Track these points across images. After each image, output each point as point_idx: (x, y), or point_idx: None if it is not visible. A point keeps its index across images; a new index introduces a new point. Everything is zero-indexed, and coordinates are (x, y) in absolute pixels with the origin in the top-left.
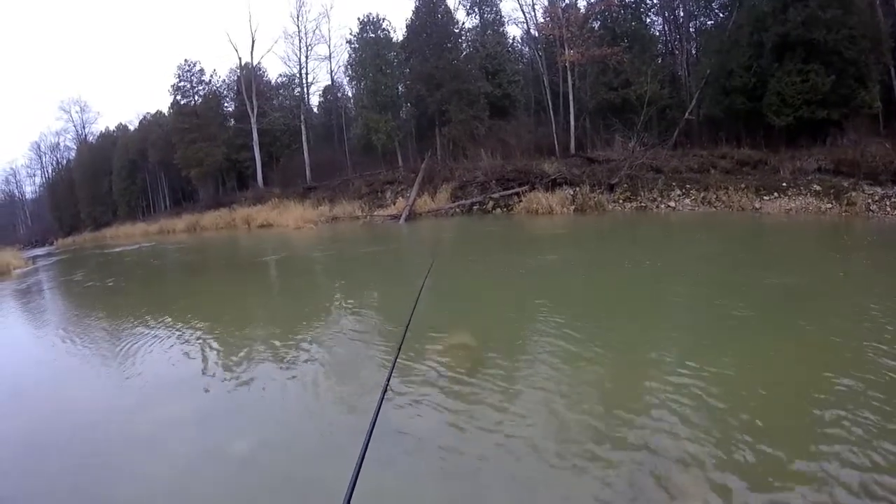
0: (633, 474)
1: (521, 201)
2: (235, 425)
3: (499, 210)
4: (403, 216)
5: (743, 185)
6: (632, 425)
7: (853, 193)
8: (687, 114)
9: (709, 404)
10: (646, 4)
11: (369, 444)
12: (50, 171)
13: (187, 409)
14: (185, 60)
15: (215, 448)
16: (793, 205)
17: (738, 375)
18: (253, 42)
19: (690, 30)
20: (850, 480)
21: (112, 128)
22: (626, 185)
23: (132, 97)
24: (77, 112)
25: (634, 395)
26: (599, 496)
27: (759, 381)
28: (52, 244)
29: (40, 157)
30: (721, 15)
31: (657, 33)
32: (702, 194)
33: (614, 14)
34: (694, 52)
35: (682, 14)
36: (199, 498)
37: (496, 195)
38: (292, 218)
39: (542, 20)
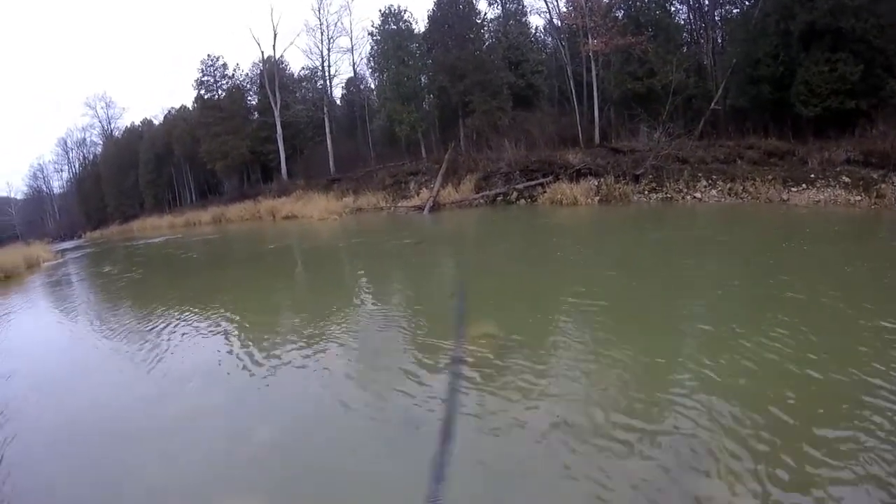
0: (665, 462)
1: (545, 192)
2: (259, 414)
3: (523, 201)
4: (427, 207)
5: (770, 177)
6: (660, 417)
7: (882, 185)
8: (713, 104)
9: (735, 395)
10: None
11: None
12: (77, 166)
13: (212, 398)
14: (209, 55)
15: (239, 436)
16: (821, 196)
17: (769, 369)
18: (275, 35)
19: (716, 18)
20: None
21: (137, 123)
22: (651, 176)
23: (157, 92)
24: (102, 108)
25: (662, 387)
26: (629, 486)
27: (789, 374)
28: (80, 237)
29: (67, 152)
30: (747, 3)
31: (682, 22)
32: (728, 185)
33: (638, 3)
34: (720, 40)
35: (707, 2)
36: (223, 484)
37: (520, 186)
38: (316, 209)
39: (564, 10)
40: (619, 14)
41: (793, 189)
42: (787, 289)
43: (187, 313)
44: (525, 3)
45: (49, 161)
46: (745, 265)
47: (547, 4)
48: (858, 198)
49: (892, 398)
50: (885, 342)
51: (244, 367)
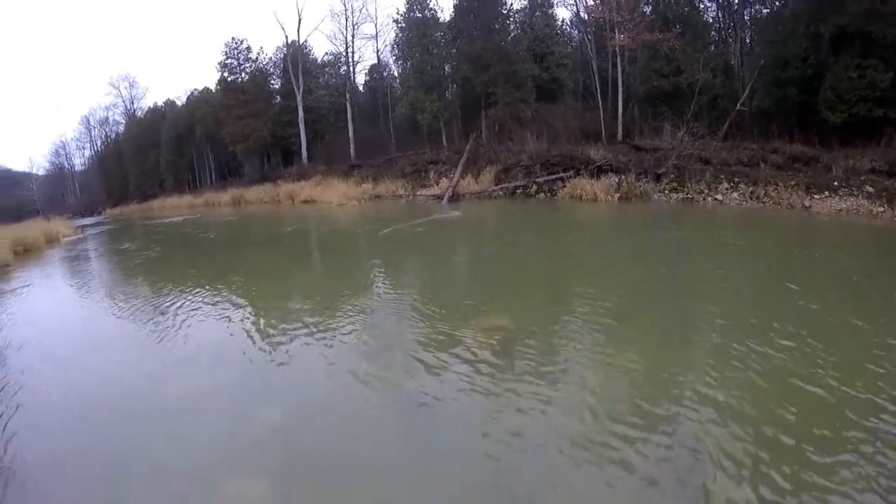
0: (669, 463)
1: (565, 187)
2: (264, 397)
3: (542, 195)
4: (446, 197)
5: (793, 182)
6: (666, 414)
7: None
8: (739, 104)
9: (739, 410)
10: None
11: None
12: (99, 144)
13: (219, 379)
14: (233, 38)
15: (244, 418)
16: (843, 205)
17: (777, 374)
18: (300, 20)
19: (745, 17)
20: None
21: (160, 103)
22: (672, 176)
23: (180, 73)
24: (126, 88)
25: (668, 386)
26: (628, 486)
27: (792, 389)
28: (99, 214)
29: (90, 130)
30: (777, 3)
31: (710, 20)
32: (750, 189)
33: None
34: (748, 40)
35: (736, 1)
36: (227, 465)
37: (540, 179)
38: (336, 195)
39: (591, 3)
40: (647, 9)
41: (815, 196)
42: (799, 299)
43: (201, 293)
44: None
45: (71, 138)
46: (761, 271)
47: None
48: (881, 209)
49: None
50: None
51: (252, 350)
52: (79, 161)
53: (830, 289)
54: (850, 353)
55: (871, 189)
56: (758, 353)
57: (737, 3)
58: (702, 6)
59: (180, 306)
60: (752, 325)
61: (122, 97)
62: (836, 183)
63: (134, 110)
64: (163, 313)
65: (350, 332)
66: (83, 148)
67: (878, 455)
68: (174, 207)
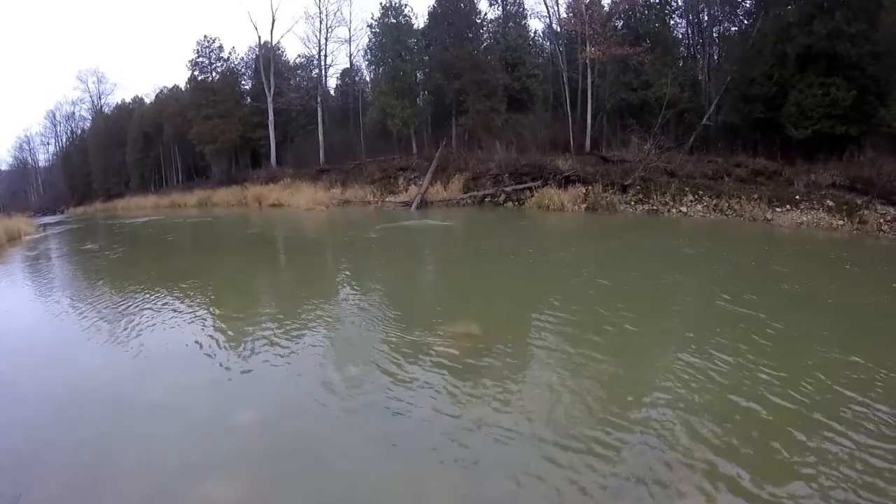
0: (633, 468)
1: (533, 196)
2: (237, 399)
3: (510, 204)
4: (415, 204)
5: (756, 196)
6: (632, 420)
7: (865, 212)
8: (705, 119)
9: (715, 402)
10: (670, 6)
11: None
12: (64, 139)
13: (190, 380)
14: (205, 36)
15: (217, 420)
16: (804, 218)
17: (748, 375)
18: (273, 21)
19: (714, 35)
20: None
21: (128, 100)
22: (639, 187)
23: (149, 70)
24: (94, 83)
25: (634, 392)
26: (594, 488)
27: (757, 378)
28: (62, 212)
29: (55, 125)
30: (746, 22)
31: (680, 36)
32: (714, 202)
33: (638, 14)
34: (716, 57)
35: (706, 18)
36: (202, 467)
37: (509, 189)
38: (304, 199)
39: (564, 15)
40: (619, 24)
41: (777, 209)
42: (735, 305)
43: (165, 296)
44: (525, 6)
45: (36, 133)
46: (711, 280)
47: (547, 9)
48: (841, 222)
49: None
50: (829, 367)
51: (221, 351)
52: (43, 157)
53: (771, 296)
54: (785, 360)
55: (831, 203)
56: (709, 362)
57: (706, 21)
58: (672, 22)
59: (146, 308)
60: (705, 331)
61: (89, 92)
62: (797, 197)
63: (101, 106)
64: (129, 315)
65: (318, 336)
66: (48, 144)
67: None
68: (139, 208)
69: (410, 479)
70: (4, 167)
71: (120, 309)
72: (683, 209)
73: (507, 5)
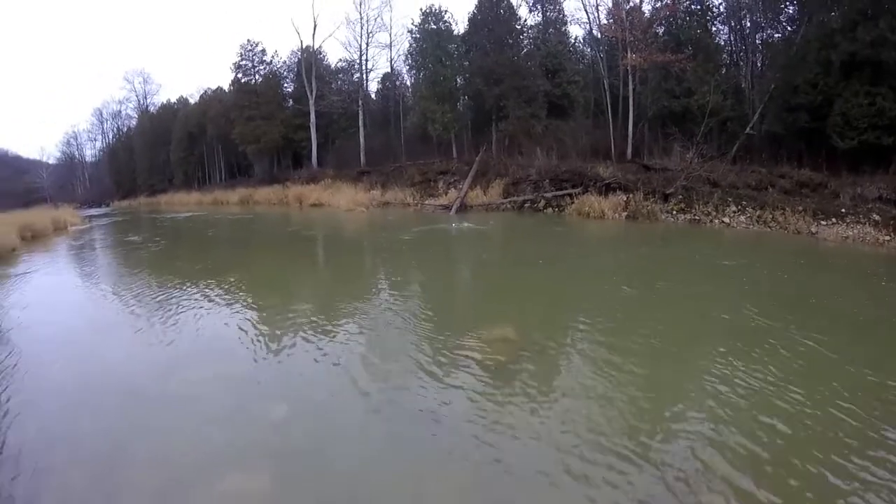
0: (656, 486)
1: (572, 203)
2: (267, 394)
3: (550, 210)
4: (454, 207)
5: (801, 208)
6: (657, 436)
7: None
8: (748, 128)
9: (742, 419)
10: (712, 13)
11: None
12: (110, 136)
13: (221, 372)
14: (248, 40)
15: (245, 414)
16: (850, 233)
17: (775, 392)
18: (315, 26)
19: (757, 41)
20: None
21: (173, 100)
22: (680, 196)
23: (193, 72)
24: (140, 83)
25: (661, 406)
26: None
27: (797, 401)
28: (107, 205)
29: (102, 123)
30: (789, 28)
31: (722, 43)
32: (758, 213)
33: (679, 20)
34: (759, 64)
35: (748, 25)
36: (227, 459)
37: (548, 195)
38: (344, 200)
39: (605, 22)
40: (660, 30)
41: (822, 222)
42: (777, 321)
43: (206, 290)
44: (565, 13)
45: (83, 130)
46: (747, 293)
47: (588, 15)
48: (888, 237)
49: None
50: (868, 394)
51: (255, 346)
52: (90, 152)
53: (806, 313)
54: (814, 382)
55: (877, 217)
56: (750, 383)
57: (748, 27)
58: (714, 29)
59: (181, 300)
60: (744, 350)
61: (135, 92)
62: (843, 210)
63: (147, 105)
64: (168, 307)
65: (354, 335)
66: (94, 140)
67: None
68: (182, 204)
69: (433, 481)
70: (53, 161)
71: (157, 299)
72: (726, 220)
73: (547, 11)
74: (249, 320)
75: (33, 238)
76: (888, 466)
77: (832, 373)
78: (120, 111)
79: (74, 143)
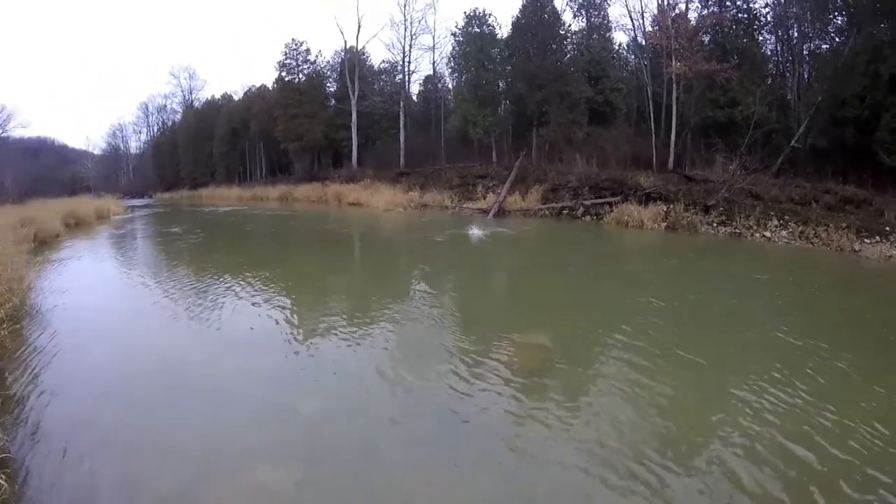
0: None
1: (612, 211)
2: (300, 389)
3: (588, 217)
4: (492, 212)
5: (844, 225)
6: (681, 457)
7: None
8: (793, 141)
9: (772, 440)
10: (759, 22)
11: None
12: (155, 130)
13: (253, 365)
14: (293, 39)
15: (277, 408)
16: (894, 252)
17: (791, 410)
18: (359, 27)
19: (804, 52)
20: None
21: (217, 96)
22: (722, 209)
23: (237, 69)
24: (185, 78)
25: (688, 426)
26: None
27: (812, 421)
28: (150, 197)
29: (147, 116)
30: (837, 39)
31: (769, 53)
32: (800, 228)
33: (725, 29)
34: (806, 76)
35: (796, 35)
36: (252, 447)
37: (587, 202)
38: (382, 200)
39: (650, 29)
40: (706, 39)
41: (866, 240)
42: (811, 339)
43: (242, 282)
44: (610, 19)
45: (129, 122)
46: (782, 310)
47: (632, 22)
48: None
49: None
50: (887, 414)
51: (288, 341)
52: (134, 144)
53: (842, 332)
54: (840, 407)
55: None
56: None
57: (796, 38)
58: (760, 38)
59: (218, 292)
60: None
61: (181, 87)
62: (887, 228)
63: (192, 101)
64: (206, 299)
65: (388, 336)
66: (139, 132)
67: None
68: (223, 198)
69: (456, 484)
70: (98, 152)
71: (195, 290)
72: (767, 234)
73: (591, 17)
74: (284, 315)
75: (76, 225)
76: None
77: (862, 397)
78: (165, 105)
79: (120, 135)
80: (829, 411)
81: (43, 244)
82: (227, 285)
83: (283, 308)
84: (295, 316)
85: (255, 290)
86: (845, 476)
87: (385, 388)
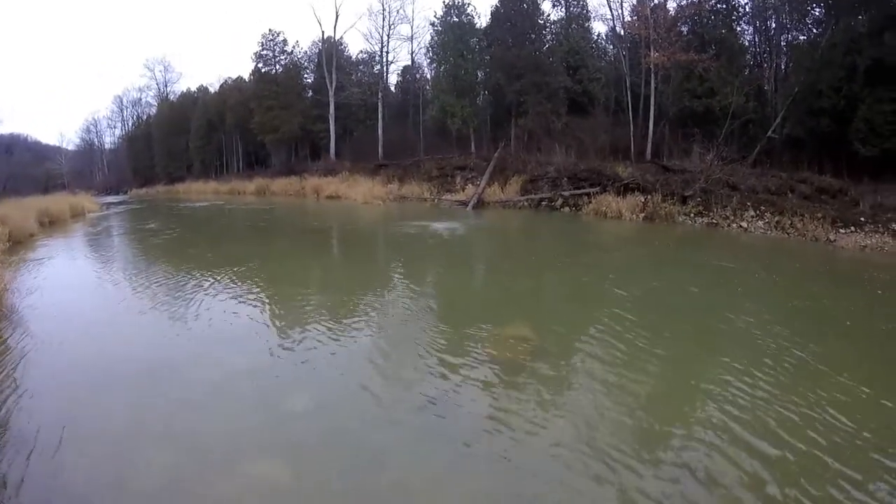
0: (669, 489)
1: (590, 202)
2: (284, 383)
3: (567, 209)
4: (471, 203)
5: (820, 215)
6: (675, 440)
7: None
8: (770, 131)
9: (755, 425)
10: (737, 12)
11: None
12: (130, 124)
13: (234, 363)
14: (270, 30)
15: (261, 403)
16: (868, 242)
17: (781, 397)
18: (336, 17)
19: (782, 43)
20: None
21: (193, 88)
22: (699, 199)
23: (213, 61)
24: (160, 71)
25: (670, 417)
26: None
27: (808, 407)
28: (125, 193)
29: (122, 110)
30: (815, 31)
31: (746, 43)
32: (776, 218)
33: (704, 19)
34: (783, 67)
35: (773, 26)
36: (236, 444)
37: (566, 193)
38: (361, 192)
39: (629, 19)
40: (684, 29)
41: (841, 230)
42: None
43: (224, 280)
44: (589, 8)
45: (103, 116)
46: (773, 307)
47: (611, 12)
48: None
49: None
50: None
51: (267, 337)
52: (109, 139)
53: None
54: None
55: None
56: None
57: (774, 28)
58: (738, 29)
59: (196, 289)
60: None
61: (155, 79)
62: (862, 218)
63: (167, 93)
64: (186, 296)
65: (369, 329)
66: (114, 127)
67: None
68: (199, 192)
69: (441, 476)
70: (72, 147)
71: (172, 288)
72: (744, 224)
73: (570, 7)
74: (264, 311)
75: (51, 224)
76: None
77: (821, 384)
78: (140, 98)
79: (94, 130)
80: (780, 399)
81: (18, 244)
82: (204, 282)
83: (262, 304)
84: (275, 311)
85: (234, 287)
86: (808, 467)
87: (365, 383)
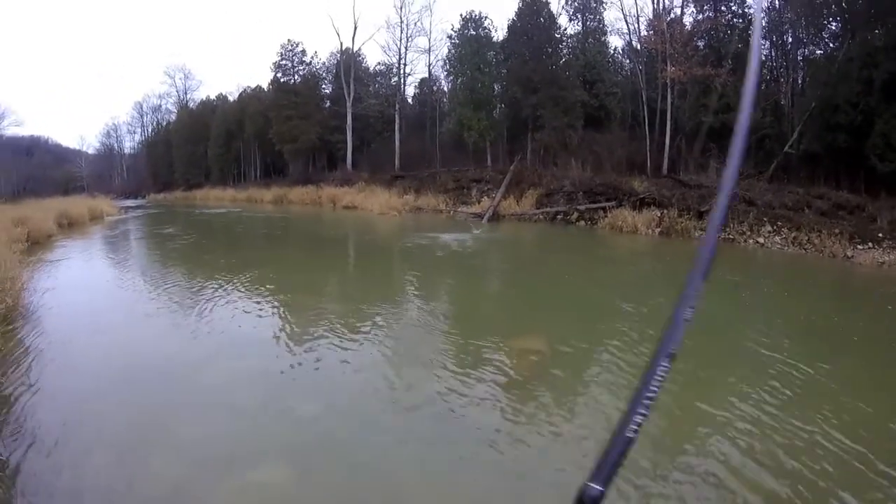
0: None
1: (606, 216)
2: (288, 389)
3: (583, 222)
4: (487, 216)
5: (837, 231)
6: (683, 458)
7: None
8: (787, 146)
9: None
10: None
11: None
12: (149, 130)
13: (245, 367)
14: (289, 40)
15: (269, 407)
16: (886, 258)
17: (796, 416)
18: (355, 28)
19: (798, 58)
20: None
21: (212, 97)
22: None
23: (233, 70)
24: (181, 79)
25: (681, 437)
26: None
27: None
28: (143, 197)
29: (142, 116)
30: (831, 45)
31: (763, 58)
32: (793, 234)
33: (720, 34)
34: (800, 81)
35: (790, 40)
36: (243, 449)
37: (582, 207)
38: (377, 203)
39: (645, 33)
40: (701, 44)
41: (858, 246)
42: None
43: (237, 285)
44: (606, 23)
45: (123, 122)
46: (793, 326)
47: (628, 26)
48: None
49: None
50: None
51: (282, 341)
52: (128, 144)
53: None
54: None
55: None
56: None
57: (790, 43)
58: None
59: (210, 293)
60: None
61: (175, 87)
62: (879, 234)
63: (186, 101)
64: (200, 301)
65: (380, 338)
66: (134, 132)
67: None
68: (217, 199)
69: (447, 486)
70: (92, 151)
71: (186, 292)
72: (761, 240)
73: (587, 21)
74: (276, 317)
75: (70, 226)
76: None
77: (830, 403)
78: (160, 105)
79: (114, 135)
80: (785, 423)
81: (36, 244)
82: (218, 287)
83: (276, 310)
84: (287, 318)
85: (247, 292)
86: (814, 490)
87: (375, 391)
